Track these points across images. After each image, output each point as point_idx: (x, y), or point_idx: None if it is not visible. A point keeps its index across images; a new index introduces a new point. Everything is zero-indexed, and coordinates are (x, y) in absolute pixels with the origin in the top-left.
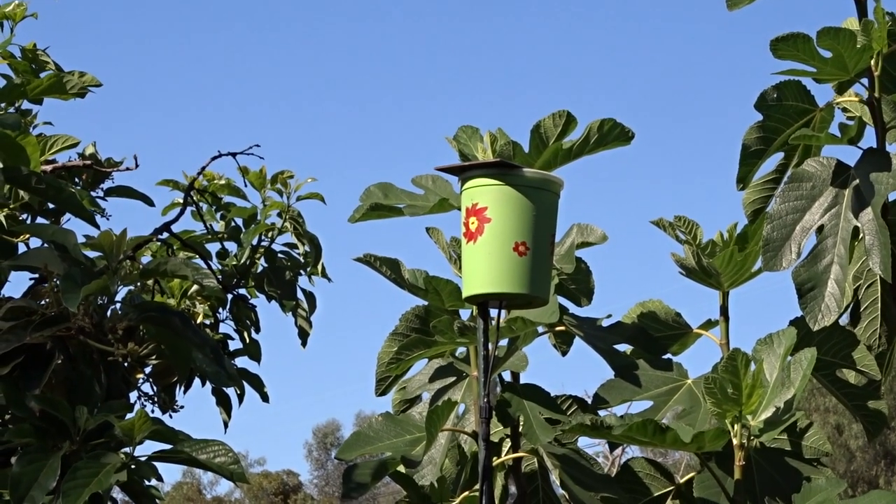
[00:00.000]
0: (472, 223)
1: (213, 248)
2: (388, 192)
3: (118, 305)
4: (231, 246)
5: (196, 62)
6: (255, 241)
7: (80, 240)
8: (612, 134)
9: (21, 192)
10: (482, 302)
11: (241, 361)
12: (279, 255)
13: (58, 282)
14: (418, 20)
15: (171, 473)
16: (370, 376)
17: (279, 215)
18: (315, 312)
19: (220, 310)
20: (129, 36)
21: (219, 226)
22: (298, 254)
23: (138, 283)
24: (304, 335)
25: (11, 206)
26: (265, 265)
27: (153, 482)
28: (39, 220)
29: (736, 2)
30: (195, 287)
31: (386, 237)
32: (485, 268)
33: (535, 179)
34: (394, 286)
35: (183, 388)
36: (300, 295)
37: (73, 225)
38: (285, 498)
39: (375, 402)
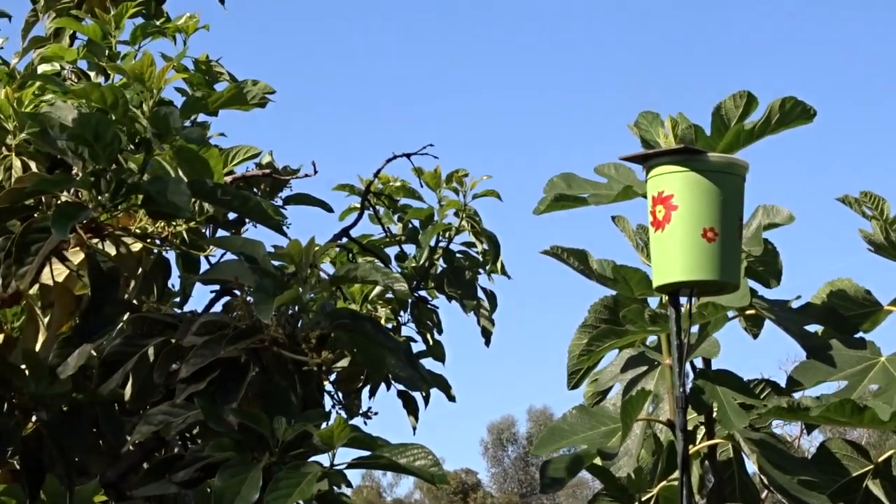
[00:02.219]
0: (660, 211)
1: (391, 251)
2: (572, 183)
3: (309, 314)
4: (409, 248)
5: (363, 64)
6: (433, 242)
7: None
8: (794, 112)
9: (206, 206)
10: (674, 290)
11: (426, 363)
12: (457, 254)
13: (250, 294)
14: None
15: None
16: (541, 371)
17: (456, 214)
18: (496, 308)
19: (402, 312)
20: (296, 41)
21: (396, 228)
22: (477, 252)
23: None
24: (487, 334)
25: (198, 220)
26: (444, 266)
27: (343, 488)
28: (220, 232)
29: None
30: (377, 290)
31: (560, 233)
32: (675, 256)
33: (720, 164)
34: (581, 278)
35: (370, 393)
36: (480, 294)
37: (254, 234)
38: (465, 497)
39: (547, 396)
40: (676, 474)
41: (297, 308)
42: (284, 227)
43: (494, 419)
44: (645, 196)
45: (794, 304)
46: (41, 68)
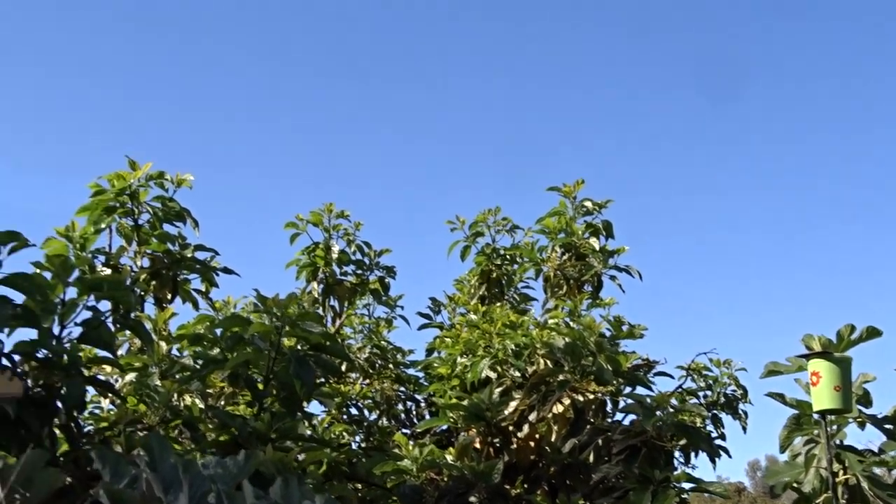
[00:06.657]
0: (814, 378)
1: (701, 394)
2: (777, 365)
3: (664, 426)
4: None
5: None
6: (720, 390)
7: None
8: (873, 333)
9: (619, 380)
10: (823, 412)
11: (719, 442)
12: (729, 395)
13: (641, 416)
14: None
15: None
16: (769, 441)
17: (727, 377)
18: (748, 418)
19: (707, 420)
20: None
21: (703, 384)
22: (738, 394)
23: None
24: (744, 428)
25: (615, 385)
26: (723, 400)
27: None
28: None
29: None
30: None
31: (773, 383)
32: (822, 398)
33: (840, 358)
34: (782, 406)
35: (694, 455)
36: (741, 412)
37: (638, 390)
38: (739, 493)
39: (774, 450)
40: (830, 493)
41: (660, 423)
42: (652, 387)
43: (750, 459)
44: (807, 370)
45: (879, 415)
46: (550, 322)
